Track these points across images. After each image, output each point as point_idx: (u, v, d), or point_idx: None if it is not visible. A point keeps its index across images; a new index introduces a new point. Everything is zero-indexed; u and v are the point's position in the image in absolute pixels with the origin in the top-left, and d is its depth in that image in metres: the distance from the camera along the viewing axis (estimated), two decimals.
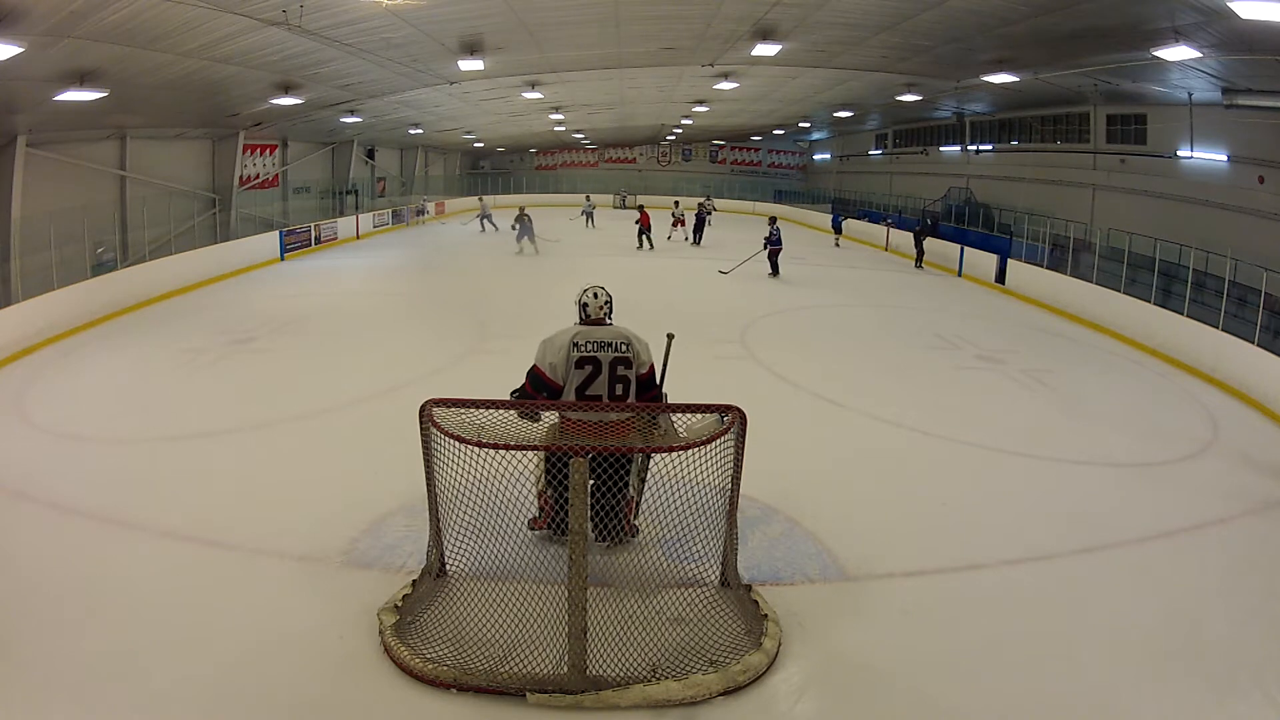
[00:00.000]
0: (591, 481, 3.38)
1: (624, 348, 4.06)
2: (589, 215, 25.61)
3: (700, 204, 24.29)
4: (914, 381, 8.60)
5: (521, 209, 20.15)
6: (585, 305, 4.19)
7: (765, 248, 15.81)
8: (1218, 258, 10.84)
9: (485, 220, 23.87)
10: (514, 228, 19.35)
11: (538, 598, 3.77)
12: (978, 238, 18.53)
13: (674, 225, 21.99)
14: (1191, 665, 3.75)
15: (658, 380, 4.25)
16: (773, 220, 16.54)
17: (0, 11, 7.33)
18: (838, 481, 5.81)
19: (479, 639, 3.61)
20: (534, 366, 4.06)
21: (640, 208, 20.94)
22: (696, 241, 21.05)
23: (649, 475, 4.36)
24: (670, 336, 4.48)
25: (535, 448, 3.65)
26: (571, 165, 38.20)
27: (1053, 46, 11.80)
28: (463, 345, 9.65)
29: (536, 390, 4.01)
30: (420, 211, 27.42)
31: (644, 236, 19.88)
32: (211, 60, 11.03)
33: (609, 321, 4.21)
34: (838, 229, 22.99)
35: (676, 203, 23.66)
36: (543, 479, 4.30)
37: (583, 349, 4.01)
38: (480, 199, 26.14)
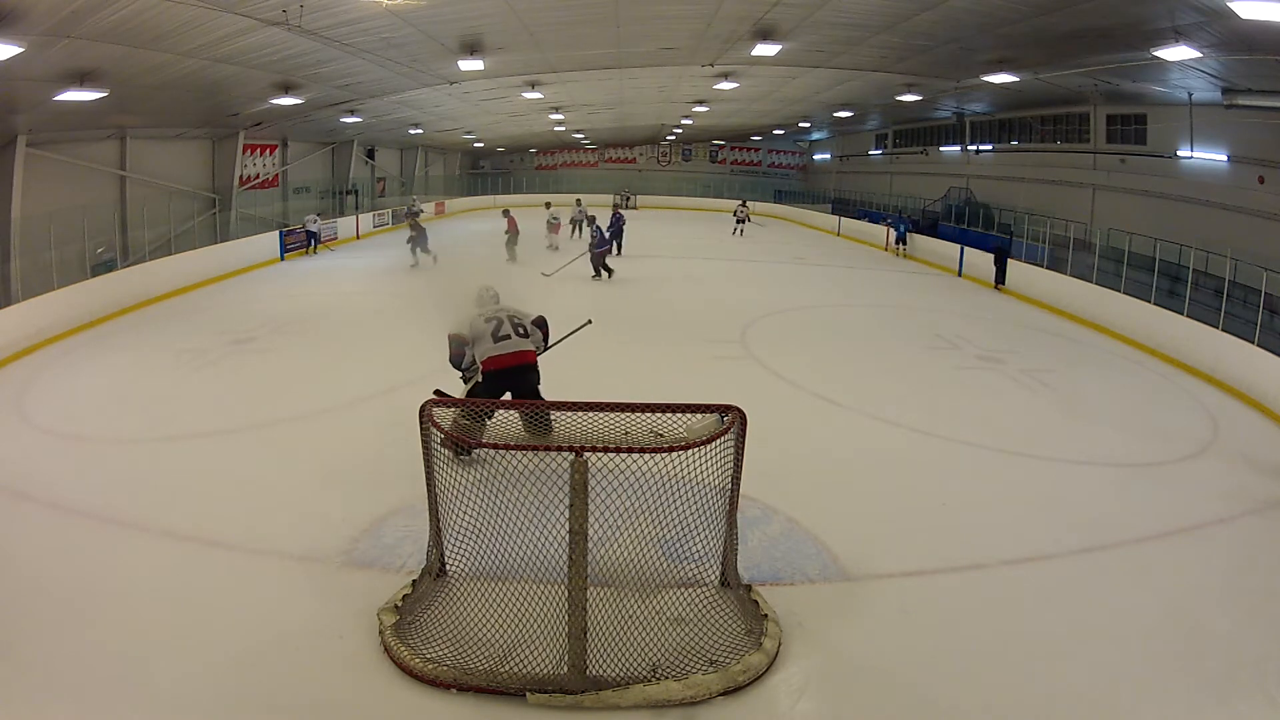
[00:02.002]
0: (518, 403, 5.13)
1: (512, 311, 5.77)
2: (577, 225, 20.16)
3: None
4: (914, 381, 8.60)
5: (414, 210, 18.39)
6: (481, 297, 6.00)
7: (589, 250, 14.38)
8: (1218, 258, 10.84)
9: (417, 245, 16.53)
10: (408, 242, 16.30)
11: (538, 598, 3.78)
12: (976, 237, 18.52)
13: (550, 232, 18.69)
14: (1191, 665, 3.75)
15: (546, 323, 6.10)
16: (592, 219, 15.06)
17: (0, 11, 7.33)
18: (838, 481, 5.81)
19: (479, 639, 3.61)
20: (449, 336, 5.93)
21: (505, 212, 17.37)
22: (616, 251, 17.39)
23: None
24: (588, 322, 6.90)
25: (535, 448, 3.66)
26: (571, 165, 38.18)
27: (1053, 46, 11.80)
28: None
29: (452, 347, 5.93)
30: (416, 213, 24.95)
31: (512, 247, 16.76)
32: (211, 60, 11.03)
33: (499, 303, 5.96)
34: (902, 239, 20.26)
35: (548, 204, 19.96)
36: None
37: (486, 315, 5.70)
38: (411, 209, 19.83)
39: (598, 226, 14.80)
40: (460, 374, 6.00)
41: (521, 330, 5.62)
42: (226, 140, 17.01)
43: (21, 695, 3.32)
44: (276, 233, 17.62)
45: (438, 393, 6.05)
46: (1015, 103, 17.98)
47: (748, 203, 26.53)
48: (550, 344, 6.19)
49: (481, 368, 5.52)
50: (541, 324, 5.97)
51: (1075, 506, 5.54)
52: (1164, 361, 10.12)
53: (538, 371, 5.64)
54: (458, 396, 5.82)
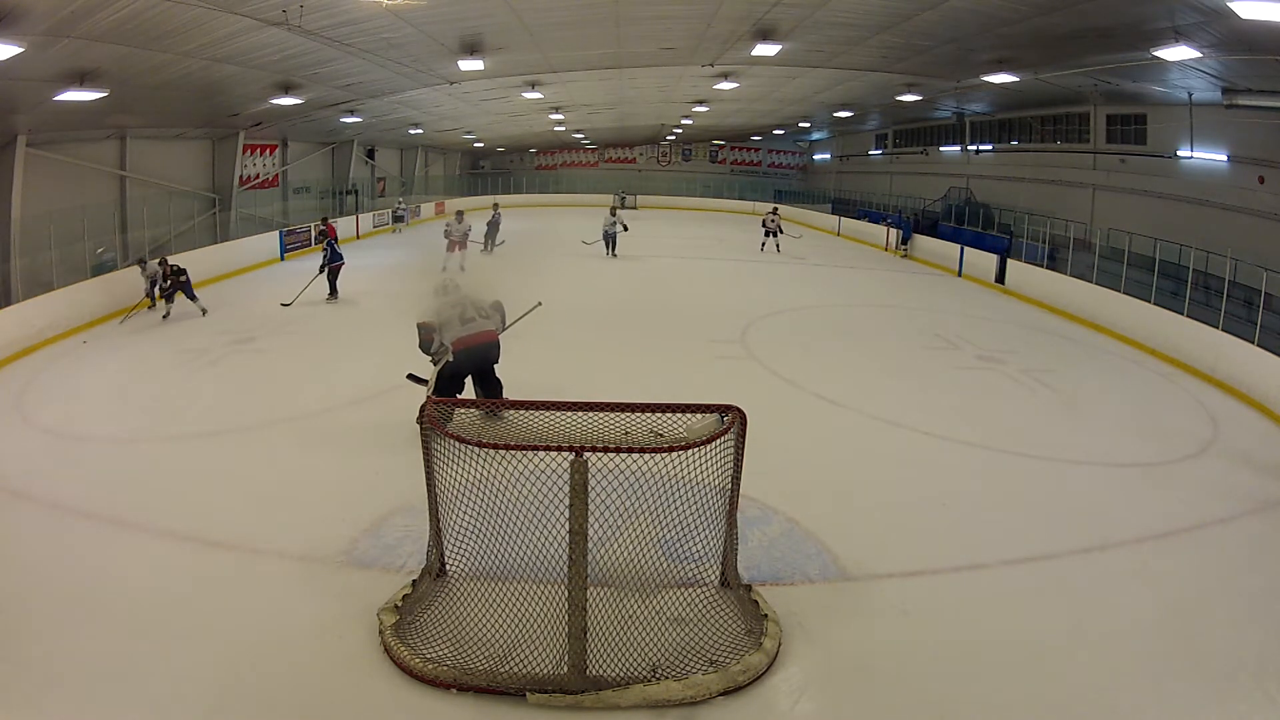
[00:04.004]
0: (479, 386, 6.45)
1: (473, 298, 6.45)
2: (611, 239, 17.55)
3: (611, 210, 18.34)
4: (914, 381, 8.60)
5: (398, 214, 17.59)
6: (446, 286, 6.70)
7: (321, 269, 12.44)
8: (1218, 258, 10.83)
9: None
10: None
11: (538, 598, 3.78)
12: (976, 237, 18.50)
13: (449, 249, 15.47)
14: (1191, 665, 3.75)
15: (503, 306, 6.76)
16: (322, 234, 12.72)
17: (0, 11, 7.33)
18: (838, 481, 5.82)
19: (479, 639, 3.61)
20: (417, 324, 6.41)
21: (324, 219, 15.53)
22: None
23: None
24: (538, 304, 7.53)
25: (535, 447, 3.65)
26: (571, 165, 38.18)
27: (1053, 46, 11.79)
28: None
29: (421, 332, 6.41)
30: (399, 218, 23.82)
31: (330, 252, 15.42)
32: (211, 60, 11.03)
33: (460, 291, 6.64)
34: (906, 240, 20.11)
35: (460, 213, 16.20)
36: (431, 390, 6.12)
37: (451, 303, 6.37)
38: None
39: (330, 242, 12.57)
40: (429, 357, 6.50)
41: (483, 313, 6.40)
42: (226, 140, 17.00)
43: (22, 695, 3.33)
44: (277, 233, 17.62)
45: (410, 377, 6.81)
46: (1015, 103, 17.97)
47: (779, 209, 21.11)
48: (508, 325, 6.86)
49: (452, 348, 6.17)
50: (499, 307, 6.69)
51: (1075, 506, 5.54)
52: (1164, 361, 10.12)
53: (499, 347, 6.46)
54: (426, 378, 6.55)
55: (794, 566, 4.52)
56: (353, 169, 23.65)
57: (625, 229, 17.75)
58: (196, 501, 5.22)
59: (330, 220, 16.57)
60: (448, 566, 4.16)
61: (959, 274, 17.25)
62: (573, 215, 27.71)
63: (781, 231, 19.85)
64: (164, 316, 11.03)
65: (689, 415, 3.73)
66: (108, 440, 6.44)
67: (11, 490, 5.39)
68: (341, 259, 12.65)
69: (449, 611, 3.84)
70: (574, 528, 3.31)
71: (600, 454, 3.39)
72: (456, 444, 3.72)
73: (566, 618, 3.37)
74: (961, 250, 17.41)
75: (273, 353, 9.36)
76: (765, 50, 13.18)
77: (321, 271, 12.48)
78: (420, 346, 6.49)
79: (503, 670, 3.42)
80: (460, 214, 15.90)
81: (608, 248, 17.68)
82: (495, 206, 18.68)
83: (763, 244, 19.57)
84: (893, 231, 21.21)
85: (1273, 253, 11.00)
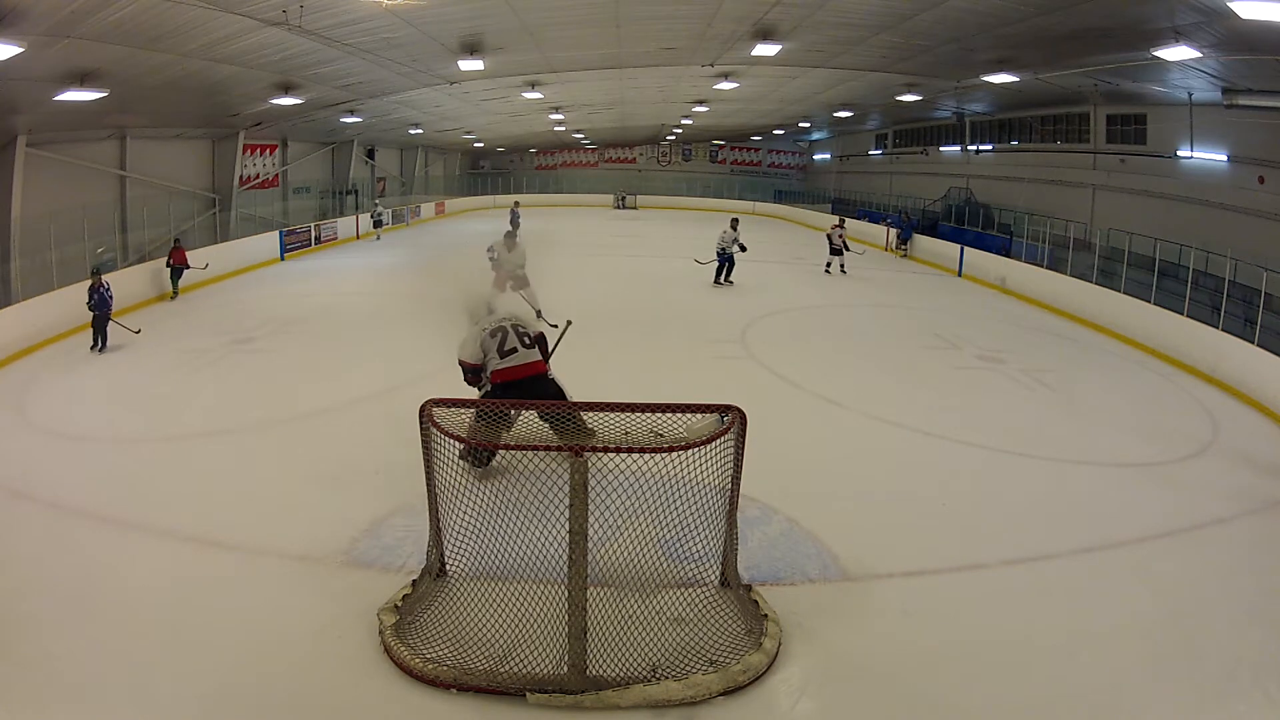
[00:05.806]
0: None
1: (515, 319, 5.74)
2: (728, 263, 14.04)
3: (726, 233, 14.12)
4: (914, 381, 8.60)
5: (377, 217, 17.23)
6: (475, 312, 5.92)
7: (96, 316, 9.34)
8: (1218, 258, 10.83)
9: None
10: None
11: (538, 598, 3.78)
12: (976, 237, 18.49)
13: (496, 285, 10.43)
14: (1191, 665, 3.75)
15: (544, 338, 5.93)
16: (97, 271, 9.68)
17: (0, 11, 7.34)
18: (838, 481, 5.81)
19: (479, 639, 3.61)
20: (459, 361, 5.59)
21: (176, 240, 13.12)
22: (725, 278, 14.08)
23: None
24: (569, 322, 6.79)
25: (535, 447, 3.66)
26: (571, 165, 38.18)
27: (1053, 46, 11.79)
28: None
29: (467, 373, 5.62)
30: (378, 222, 22.50)
31: (175, 280, 12.77)
32: (211, 60, 11.03)
33: (497, 313, 5.95)
34: (905, 240, 20.02)
35: (176, 239, 13.29)
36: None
37: (490, 330, 5.59)
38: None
39: (106, 285, 9.47)
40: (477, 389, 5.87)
41: (527, 340, 5.57)
42: (226, 140, 17.00)
43: (22, 694, 3.33)
44: (277, 233, 17.64)
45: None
46: (1015, 103, 17.97)
47: (845, 222, 17.35)
48: (550, 352, 6.09)
49: (490, 380, 5.48)
50: (541, 339, 5.80)
51: (1075, 506, 5.54)
52: (1164, 361, 10.12)
53: (554, 381, 5.56)
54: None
55: (794, 566, 4.52)
56: (353, 169, 23.66)
57: (744, 249, 14.06)
58: (196, 501, 5.22)
59: (180, 244, 13.01)
60: (448, 566, 4.16)
61: (959, 274, 17.25)
62: (573, 215, 27.74)
63: (848, 249, 16.40)
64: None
65: (689, 415, 3.73)
66: (108, 440, 6.44)
67: (11, 490, 5.39)
68: (108, 306, 9.42)
69: (449, 611, 3.84)
70: (574, 528, 3.31)
71: (600, 454, 3.39)
72: (456, 444, 3.72)
73: (566, 618, 3.37)
74: (961, 250, 17.41)
75: (273, 353, 9.36)
76: (765, 50, 13.18)
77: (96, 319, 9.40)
78: (466, 383, 5.74)
79: (503, 670, 3.42)
80: (510, 233, 11.12)
81: (720, 274, 14.06)
82: (516, 205, 17.85)
83: (828, 264, 16.13)
84: (893, 231, 21.20)
85: (1273, 253, 11.00)
